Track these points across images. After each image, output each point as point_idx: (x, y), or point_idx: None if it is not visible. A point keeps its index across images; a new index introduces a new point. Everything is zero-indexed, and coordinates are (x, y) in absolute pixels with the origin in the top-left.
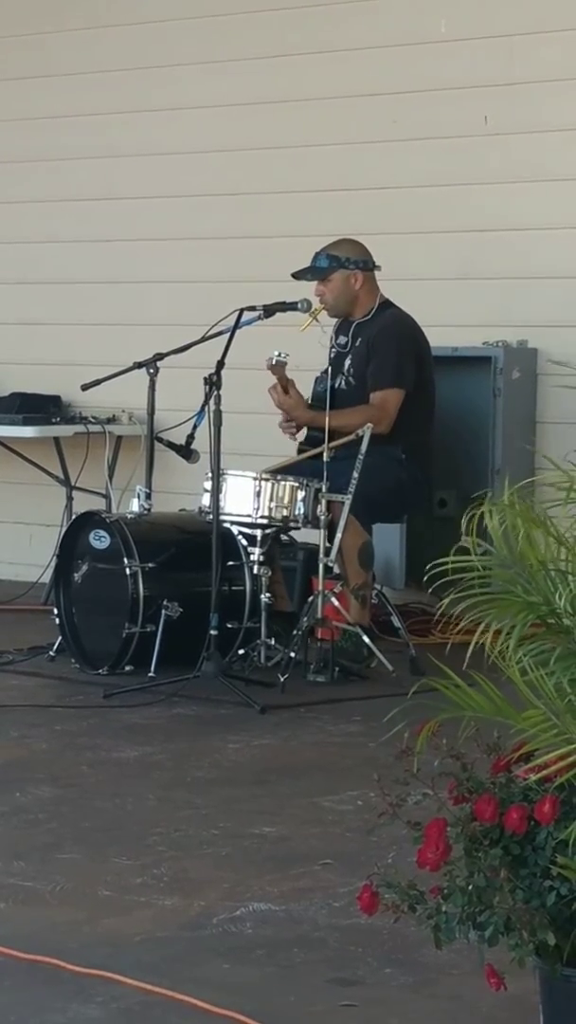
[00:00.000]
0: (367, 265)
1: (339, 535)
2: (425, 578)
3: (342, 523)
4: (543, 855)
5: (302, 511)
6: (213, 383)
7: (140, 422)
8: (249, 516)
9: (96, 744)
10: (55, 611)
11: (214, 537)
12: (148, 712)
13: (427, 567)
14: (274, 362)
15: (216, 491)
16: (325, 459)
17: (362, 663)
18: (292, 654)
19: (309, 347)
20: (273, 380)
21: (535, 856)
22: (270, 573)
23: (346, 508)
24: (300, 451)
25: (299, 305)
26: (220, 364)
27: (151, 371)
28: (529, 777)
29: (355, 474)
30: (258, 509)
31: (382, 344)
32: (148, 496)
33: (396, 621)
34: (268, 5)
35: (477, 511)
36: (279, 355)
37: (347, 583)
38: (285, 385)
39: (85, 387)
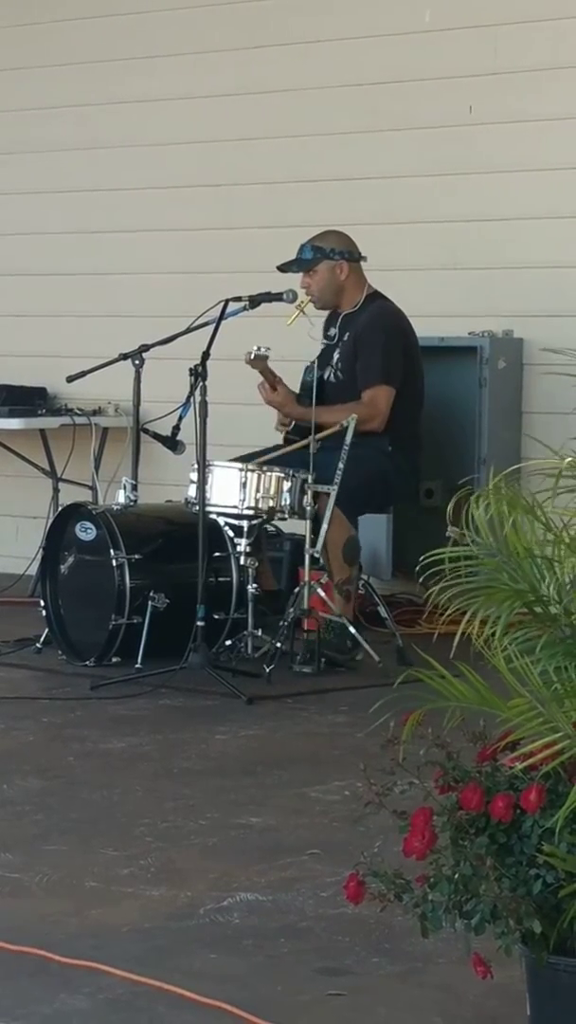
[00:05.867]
0: (352, 255)
1: (324, 527)
2: (417, 567)
3: (327, 516)
4: (529, 843)
5: (288, 502)
6: (199, 374)
7: (126, 413)
8: (235, 507)
9: (83, 736)
10: (42, 603)
11: (200, 528)
12: (135, 703)
13: (420, 558)
14: (253, 356)
15: (202, 482)
16: (312, 451)
17: (347, 655)
18: (278, 645)
19: (295, 338)
20: (257, 375)
21: (521, 844)
22: (256, 564)
23: (331, 501)
24: (287, 442)
25: (285, 295)
26: (205, 355)
27: (137, 362)
28: (515, 766)
29: (340, 465)
30: (244, 500)
31: (368, 340)
32: (134, 487)
33: (383, 611)
34: None
35: (464, 500)
36: (258, 349)
37: (331, 578)
38: (272, 382)
39: (71, 379)
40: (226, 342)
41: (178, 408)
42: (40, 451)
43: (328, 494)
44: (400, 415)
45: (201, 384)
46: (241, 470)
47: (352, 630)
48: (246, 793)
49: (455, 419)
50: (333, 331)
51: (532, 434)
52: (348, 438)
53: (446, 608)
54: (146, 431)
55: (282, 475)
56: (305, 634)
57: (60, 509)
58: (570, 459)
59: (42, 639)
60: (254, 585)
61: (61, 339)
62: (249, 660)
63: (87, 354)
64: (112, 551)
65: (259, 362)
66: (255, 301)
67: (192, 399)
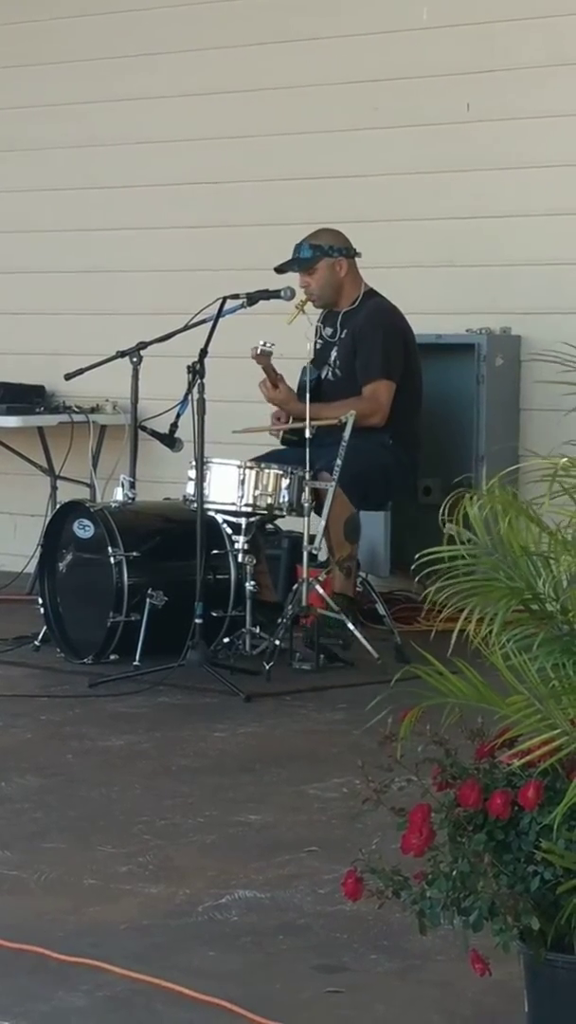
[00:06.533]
0: (349, 252)
1: (326, 509)
2: (413, 567)
3: (329, 496)
4: (527, 840)
5: (286, 499)
6: (196, 372)
7: (124, 411)
8: (233, 504)
9: (81, 733)
10: (40, 601)
11: (198, 526)
12: (133, 701)
13: (416, 556)
14: (259, 351)
15: (200, 479)
16: (307, 435)
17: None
18: (277, 642)
19: (294, 337)
20: (260, 372)
21: (519, 841)
22: (255, 561)
23: (332, 485)
24: (284, 440)
25: (282, 293)
26: (203, 352)
27: (134, 360)
28: (513, 762)
29: (339, 461)
30: (242, 497)
31: (367, 336)
32: (132, 485)
33: (381, 609)
34: None
35: (461, 498)
36: (264, 344)
37: (332, 554)
38: (274, 380)
39: (69, 376)
40: (224, 340)
41: (176, 406)
42: (38, 449)
43: (326, 491)
44: (399, 412)
45: (199, 381)
46: (239, 467)
47: (351, 627)
48: (244, 790)
49: (453, 416)
50: (331, 330)
51: (530, 430)
52: (346, 435)
53: (444, 605)
54: (144, 429)
55: (280, 472)
56: (303, 631)
57: (58, 506)
58: (566, 459)
59: (40, 637)
60: (252, 582)
61: (59, 337)
62: (247, 657)
63: (85, 352)
64: (110, 548)
65: (264, 358)
66: (253, 299)
67: (190, 396)
